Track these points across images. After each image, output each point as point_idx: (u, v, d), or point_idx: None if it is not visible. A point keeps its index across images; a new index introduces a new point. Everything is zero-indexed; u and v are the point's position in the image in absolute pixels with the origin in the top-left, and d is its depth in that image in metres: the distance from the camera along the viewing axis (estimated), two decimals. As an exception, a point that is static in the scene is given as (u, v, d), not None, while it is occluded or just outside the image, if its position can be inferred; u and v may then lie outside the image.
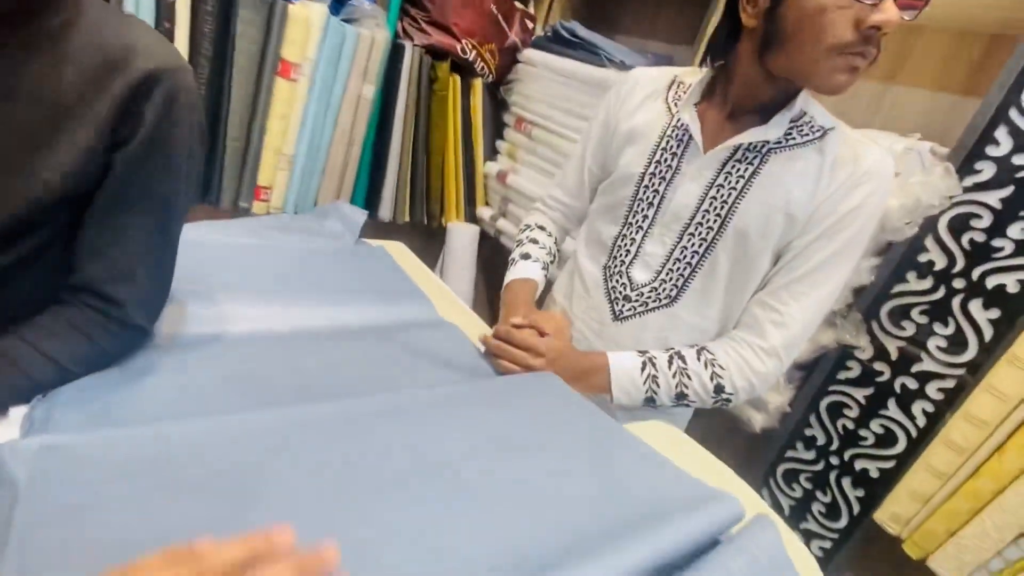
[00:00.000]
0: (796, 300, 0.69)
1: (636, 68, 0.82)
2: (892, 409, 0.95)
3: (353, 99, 1.32)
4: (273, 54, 1.16)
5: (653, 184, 0.74)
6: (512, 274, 0.86)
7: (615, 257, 0.79)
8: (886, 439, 0.96)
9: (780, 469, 1.09)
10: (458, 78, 1.49)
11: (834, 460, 1.02)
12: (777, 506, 1.10)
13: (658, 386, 0.71)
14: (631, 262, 0.77)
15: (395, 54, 1.36)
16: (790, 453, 1.08)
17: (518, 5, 1.57)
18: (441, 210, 1.64)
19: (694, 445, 0.68)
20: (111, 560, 0.24)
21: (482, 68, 1.51)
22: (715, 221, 0.70)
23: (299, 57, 1.18)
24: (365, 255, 1.03)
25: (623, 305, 0.78)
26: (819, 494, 1.04)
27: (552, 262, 0.89)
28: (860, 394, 0.99)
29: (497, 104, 1.67)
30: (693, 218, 0.72)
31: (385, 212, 1.54)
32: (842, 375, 1.00)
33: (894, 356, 0.95)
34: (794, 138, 0.68)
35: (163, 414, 0.47)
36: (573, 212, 0.90)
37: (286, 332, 0.69)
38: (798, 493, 1.07)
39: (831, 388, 1.02)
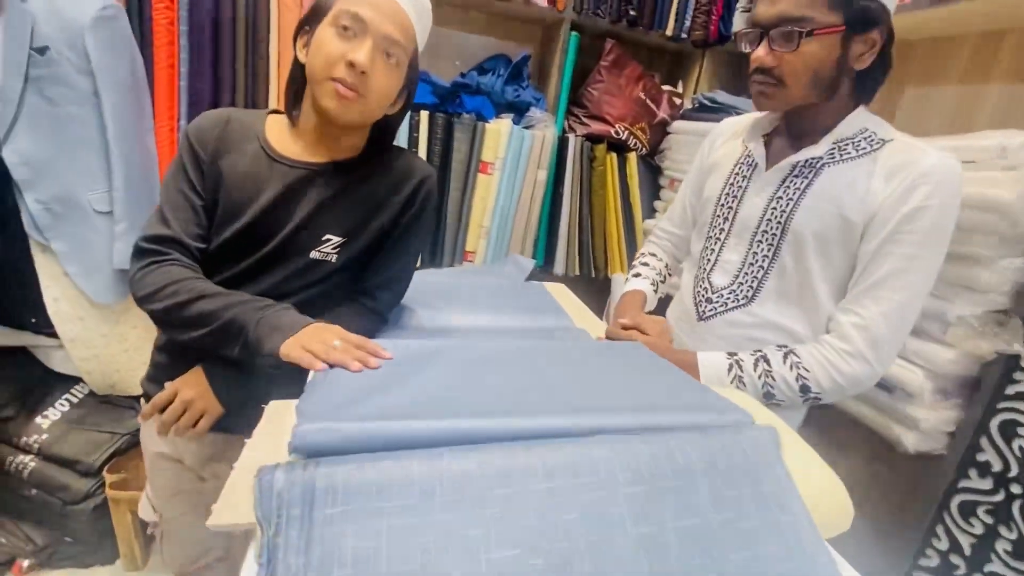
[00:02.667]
0: (876, 304, 0.73)
1: (726, 119, 1.01)
2: (1081, 427, 0.83)
3: (531, 182, 1.74)
4: (476, 158, 1.66)
5: (727, 202, 0.88)
6: (626, 287, 1.05)
7: (700, 267, 0.92)
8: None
9: (955, 501, 0.98)
10: (614, 155, 1.82)
11: (1015, 488, 0.90)
12: (956, 545, 0.98)
13: (744, 385, 0.78)
14: (711, 269, 0.90)
15: (562, 145, 1.77)
16: (964, 483, 0.97)
17: (665, 88, 1.85)
18: (606, 263, 1.92)
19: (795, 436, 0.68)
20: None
21: (635, 143, 1.81)
22: (776, 227, 0.81)
23: (493, 157, 1.66)
24: (528, 288, 1.36)
25: (705, 307, 0.90)
26: (1003, 529, 0.91)
27: (661, 280, 1.06)
28: (1037, 411, 0.89)
29: (653, 170, 1.93)
30: (759, 227, 0.83)
31: (559, 267, 1.89)
32: (1011, 389, 0.91)
33: (1071, 364, 0.85)
34: (849, 152, 0.77)
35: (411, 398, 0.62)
36: (680, 240, 1.07)
37: (469, 327, 1.02)
38: (978, 529, 0.95)
39: (1000, 405, 0.92)
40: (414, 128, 1.61)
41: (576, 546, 0.42)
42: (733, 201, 0.88)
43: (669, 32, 1.76)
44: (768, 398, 0.77)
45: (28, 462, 1.45)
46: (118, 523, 1.49)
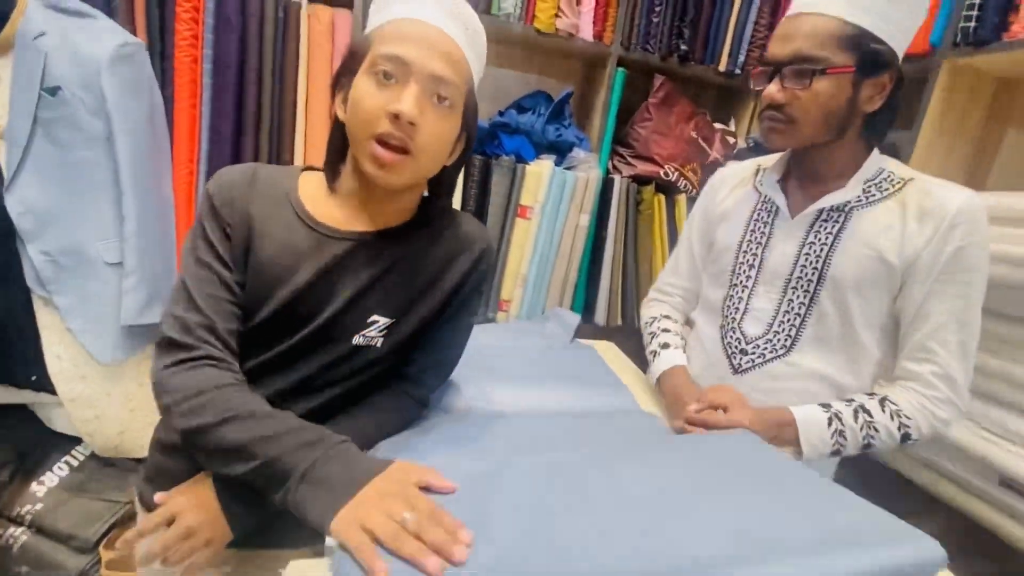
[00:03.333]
0: (945, 348, 0.74)
1: (722, 168, 1.01)
2: None
3: (572, 227, 1.61)
4: (515, 202, 1.54)
5: (751, 249, 0.87)
6: (660, 366, 0.95)
7: (726, 316, 0.90)
8: None
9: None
10: (662, 197, 1.68)
11: None
12: None
13: (845, 439, 0.76)
14: (741, 319, 0.87)
15: (606, 187, 1.63)
16: None
17: (718, 126, 1.72)
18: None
19: None
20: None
21: (685, 185, 1.67)
22: (813, 274, 0.80)
23: (532, 201, 1.53)
24: (578, 353, 1.21)
25: (741, 359, 0.87)
26: None
27: (684, 344, 0.99)
28: None
29: (702, 214, 1.79)
30: (792, 273, 0.82)
31: (600, 317, 1.74)
32: None
33: None
34: (873, 195, 0.79)
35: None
36: (690, 293, 1.03)
37: (524, 410, 0.87)
38: None
39: None
40: (449, 170, 1.49)
41: None
42: (758, 248, 0.87)
43: (722, 67, 1.64)
44: (866, 448, 0.77)
45: (19, 535, 1.31)
46: (114, 606, 1.34)
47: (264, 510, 0.61)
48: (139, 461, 1.46)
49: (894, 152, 1.39)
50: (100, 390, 1.29)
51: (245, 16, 1.27)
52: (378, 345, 0.70)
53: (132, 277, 1.21)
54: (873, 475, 1.20)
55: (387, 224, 0.71)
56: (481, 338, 1.24)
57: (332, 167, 0.72)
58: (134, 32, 1.22)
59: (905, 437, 0.76)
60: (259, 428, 0.56)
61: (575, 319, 1.34)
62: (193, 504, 0.60)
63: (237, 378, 0.61)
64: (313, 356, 0.68)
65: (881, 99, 0.76)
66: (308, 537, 0.62)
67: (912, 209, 0.75)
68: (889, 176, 0.79)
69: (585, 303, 1.76)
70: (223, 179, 0.67)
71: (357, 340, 0.68)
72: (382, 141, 0.61)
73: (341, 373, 0.70)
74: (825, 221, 0.80)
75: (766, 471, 0.62)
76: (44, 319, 1.19)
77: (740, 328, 0.88)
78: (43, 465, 1.40)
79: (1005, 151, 1.20)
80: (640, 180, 1.66)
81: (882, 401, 0.76)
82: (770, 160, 0.92)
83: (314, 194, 0.71)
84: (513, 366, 1.06)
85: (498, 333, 1.30)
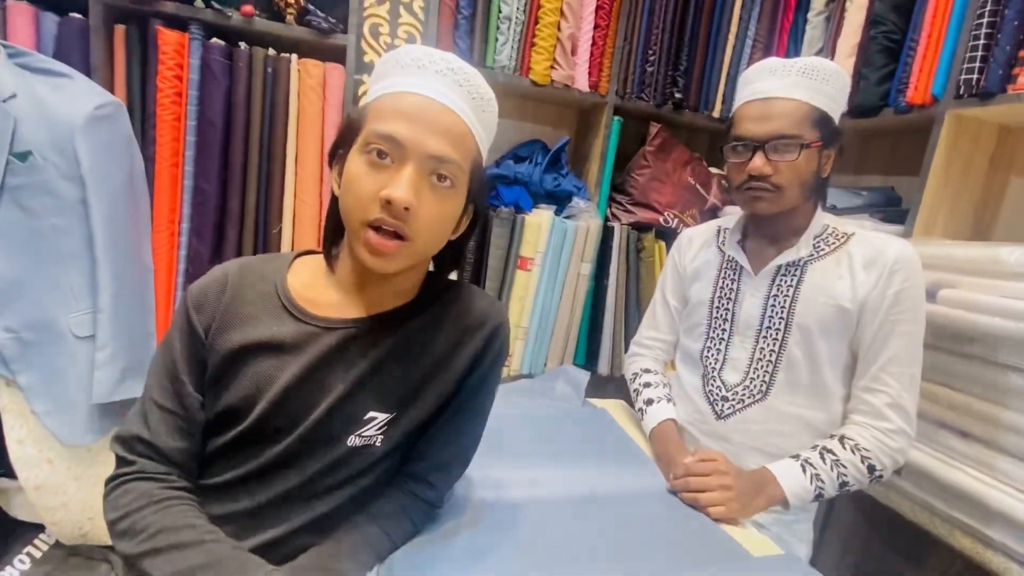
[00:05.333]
0: (896, 380, 0.83)
1: (686, 229, 1.13)
2: None
3: (574, 277, 1.56)
4: (515, 253, 1.48)
5: (723, 304, 0.96)
6: (651, 420, 1.01)
7: (707, 367, 0.98)
8: None
9: None
10: (663, 244, 1.65)
11: None
12: None
13: (823, 482, 0.82)
14: (721, 368, 0.96)
15: (606, 235, 1.60)
16: None
17: (714, 171, 1.71)
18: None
19: None
20: None
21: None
22: (780, 323, 0.90)
23: (533, 252, 1.48)
24: (594, 420, 1.14)
25: (722, 405, 0.95)
26: None
27: (670, 395, 1.05)
28: None
29: (702, 258, 1.76)
30: (762, 323, 0.91)
31: (603, 367, 1.68)
32: None
33: None
34: (822, 249, 0.89)
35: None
36: (668, 345, 1.11)
37: (545, 497, 0.80)
38: None
39: None
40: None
41: None
42: (728, 303, 0.96)
43: (716, 114, 1.64)
44: (843, 487, 0.83)
45: (-27, 644, 1.16)
46: None
47: None
48: (109, 548, 1.32)
49: (897, 199, 1.39)
50: (68, 475, 1.17)
51: (232, 71, 1.21)
52: (377, 444, 0.62)
53: (106, 350, 1.11)
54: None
55: (385, 308, 0.65)
56: (487, 404, 1.17)
57: (330, 246, 0.66)
58: (112, 91, 1.15)
59: (871, 469, 0.83)
60: (181, 562, 0.52)
61: (584, 377, 1.27)
62: None
63: (170, 493, 0.58)
64: (308, 460, 0.60)
65: (830, 166, 0.89)
66: None
67: (858, 259, 0.85)
68: (833, 231, 0.90)
69: (587, 353, 1.70)
70: (196, 288, 0.63)
71: (353, 442, 0.61)
72: (376, 227, 0.56)
73: (341, 477, 0.62)
74: (784, 275, 0.90)
75: None
76: (5, 401, 1.08)
77: (720, 377, 0.96)
78: (1, 559, 1.25)
79: (1010, 198, 1.20)
80: (639, 227, 1.63)
81: (841, 439, 0.85)
82: (729, 222, 1.02)
83: (308, 281, 0.66)
84: (527, 441, 0.98)
85: (505, 396, 1.22)
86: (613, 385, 1.62)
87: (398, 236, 0.56)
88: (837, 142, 0.88)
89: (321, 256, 0.68)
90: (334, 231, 0.65)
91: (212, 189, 1.24)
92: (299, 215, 1.31)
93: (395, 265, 0.59)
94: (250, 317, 0.62)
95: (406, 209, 0.55)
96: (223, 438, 0.61)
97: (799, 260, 0.89)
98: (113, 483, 0.59)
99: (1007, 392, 0.94)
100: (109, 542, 1.35)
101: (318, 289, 0.65)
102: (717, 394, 0.96)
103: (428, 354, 0.64)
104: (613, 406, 1.23)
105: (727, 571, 0.66)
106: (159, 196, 1.21)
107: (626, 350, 1.70)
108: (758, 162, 0.84)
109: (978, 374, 0.98)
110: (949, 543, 1.01)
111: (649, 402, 1.04)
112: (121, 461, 0.60)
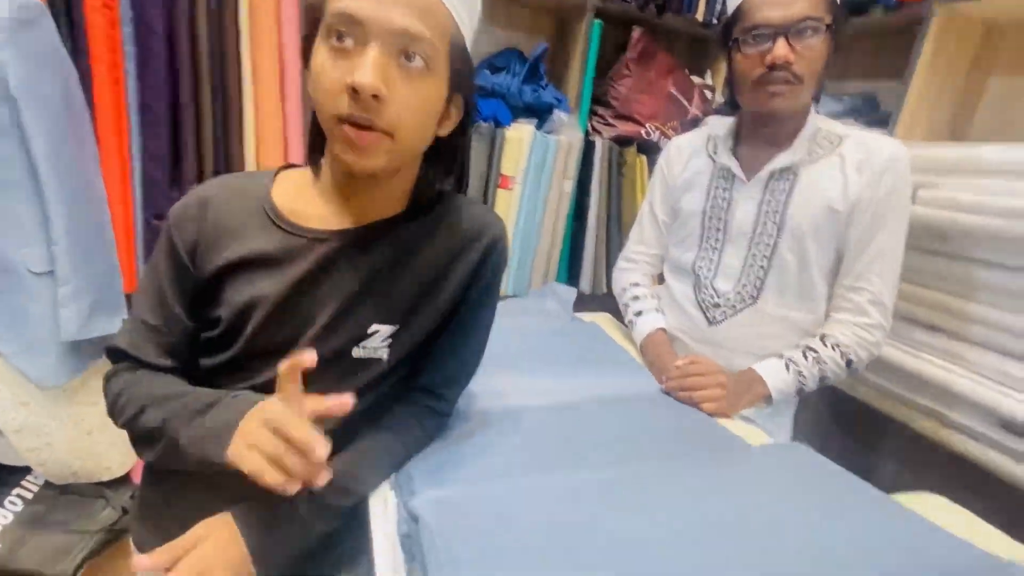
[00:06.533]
0: (880, 277, 0.86)
1: (674, 138, 1.09)
2: None
3: (556, 195, 1.53)
4: (495, 171, 1.43)
5: (716, 214, 0.96)
6: (641, 330, 1.04)
7: (699, 276, 0.99)
8: None
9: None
10: (644, 158, 1.62)
11: None
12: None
13: (805, 377, 0.87)
14: (714, 277, 0.97)
15: (588, 150, 1.56)
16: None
17: (695, 80, 1.66)
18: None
19: (969, 515, 0.62)
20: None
21: (665, 144, 1.61)
22: (773, 228, 0.90)
23: (514, 170, 1.44)
24: (585, 331, 1.16)
25: (714, 312, 0.97)
26: None
27: (659, 306, 1.07)
28: None
29: (682, 172, 1.74)
30: (755, 230, 0.91)
31: (585, 284, 1.69)
32: None
33: None
34: (817, 152, 0.88)
35: (487, 474, 0.62)
36: (656, 259, 1.11)
37: (546, 403, 0.82)
38: None
39: None
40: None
41: None
42: (721, 212, 0.96)
43: (700, 17, 1.56)
44: (823, 381, 0.88)
45: (-25, 585, 1.17)
46: (99, 641, 1.24)
47: (293, 546, 0.55)
48: (105, 485, 1.32)
49: (876, 104, 1.38)
50: (47, 416, 1.14)
51: (168, -33, 1.06)
52: (384, 357, 0.62)
53: (68, 286, 1.05)
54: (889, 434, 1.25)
55: (378, 216, 0.61)
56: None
57: (315, 154, 0.62)
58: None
59: (848, 363, 0.87)
60: (165, 407, 0.55)
61: (571, 293, 1.28)
62: (217, 555, 0.52)
63: (157, 372, 0.61)
64: (312, 376, 0.59)
65: (831, 55, 0.85)
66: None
67: (850, 161, 0.85)
68: (826, 134, 0.89)
69: (569, 271, 1.70)
70: (176, 208, 0.61)
71: (358, 353, 0.60)
72: (350, 121, 0.51)
73: (349, 392, 0.61)
74: (778, 180, 0.90)
75: (829, 491, 0.60)
76: (-31, 345, 1.02)
77: (713, 285, 0.97)
78: (-10, 503, 1.24)
79: (987, 99, 1.21)
80: (620, 141, 1.59)
81: (822, 338, 0.89)
82: (719, 129, 1.00)
83: (293, 194, 0.62)
84: (521, 352, 1.00)
85: (496, 315, 1.22)
86: (596, 303, 1.64)
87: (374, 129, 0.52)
88: (844, 26, 0.84)
89: (305, 169, 0.64)
90: (316, 137, 0.60)
91: (162, 107, 1.12)
92: (262, 131, 1.21)
93: (376, 162, 0.54)
94: (235, 233, 0.59)
95: (375, 98, 0.49)
96: (219, 358, 0.59)
97: (793, 164, 0.88)
98: (113, 373, 0.61)
99: (978, 287, 1.00)
100: (104, 479, 1.35)
101: (304, 200, 0.61)
102: (709, 302, 0.97)
103: (425, 265, 0.62)
104: (601, 319, 1.25)
105: (733, 461, 0.70)
106: (101, 118, 1.09)
107: (608, 267, 1.73)
108: (782, 50, 0.79)
109: (949, 270, 1.03)
110: (911, 427, 1.11)
111: (639, 313, 1.06)
112: (114, 355, 0.62)
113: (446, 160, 0.65)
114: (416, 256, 0.62)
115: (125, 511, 1.30)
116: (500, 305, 1.34)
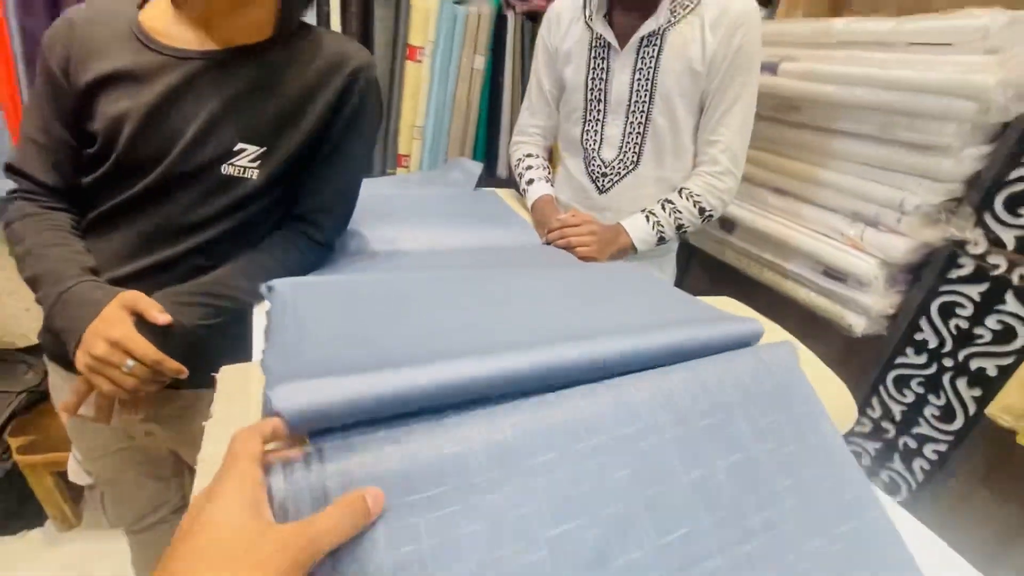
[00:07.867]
0: (728, 128, 0.93)
1: (553, 2, 1.06)
2: (1011, 303, 0.91)
3: (467, 71, 1.54)
4: (402, 41, 1.42)
5: (596, 85, 0.99)
6: (531, 196, 1.12)
7: (586, 149, 1.04)
8: (1004, 335, 0.92)
9: (890, 376, 1.09)
10: (557, 36, 1.62)
11: (948, 362, 0.99)
12: (888, 413, 1.10)
13: (663, 227, 0.97)
14: (599, 148, 1.03)
15: (500, 24, 1.54)
16: (900, 359, 1.07)
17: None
18: (552, 162, 1.81)
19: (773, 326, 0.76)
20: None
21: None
22: (646, 95, 0.95)
23: (422, 41, 1.42)
24: (482, 197, 1.25)
25: (603, 181, 1.05)
26: (932, 397, 1.02)
27: (550, 176, 1.16)
28: (974, 291, 0.95)
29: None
30: (631, 99, 0.96)
31: (502, 168, 1.75)
32: (953, 273, 0.97)
33: (1011, 246, 0.91)
34: (678, 14, 0.91)
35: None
36: (548, 131, 1.16)
37: (429, 249, 0.91)
38: (909, 398, 1.06)
39: (942, 288, 0.98)
40: (323, 2, 1.32)
41: (633, 507, 0.37)
42: (601, 83, 0.99)
43: None
44: (680, 229, 0.98)
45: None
46: (37, 486, 1.34)
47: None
48: (25, 351, 1.36)
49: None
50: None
51: None
52: (253, 177, 0.68)
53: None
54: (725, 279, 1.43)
55: (242, 40, 0.66)
56: (382, 188, 1.23)
57: None
58: None
59: (701, 211, 0.96)
60: (39, 264, 0.63)
61: (478, 167, 1.35)
62: (104, 330, 0.59)
63: (38, 210, 0.67)
64: (179, 191, 0.66)
65: None
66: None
67: (707, 20, 0.89)
68: None
69: (487, 155, 1.75)
70: (47, 32, 0.65)
71: (227, 170, 0.66)
72: None
73: (218, 207, 0.68)
74: (647, 47, 0.93)
75: (637, 284, 0.71)
76: None
77: (599, 156, 1.03)
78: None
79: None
80: (533, 16, 1.58)
81: (680, 191, 0.97)
82: None
83: (160, 13, 0.65)
84: (416, 211, 1.08)
85: (398, 183, 1.29)
86: (513, 187, 1.71)
87: None
88: None
89: None
90: None
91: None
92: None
93: None
94: (103, 51, 0.63)
95: None
96: (97, 172, 0.64)
97: (659, 28, 0.91)
98: (11, 195, 0.69)
99: (824, 153, 1.13)
100: (21, 344, 1.37)
101: (170, 23, 0.65)
102: (598, 172, 1.04)
103: (288, 90, 0.67)
104: (504, 193, 1.33)
105: (579, 268, 0.81)
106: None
107: (523, 150, 1.78)
108: None
109: (799, 138, 1.16)
110: (760, 280, 1.29)
111: (530, 182, 1.14)
112: (10, 173, 0.68)
113: None
114: (280, 82, 0.67)
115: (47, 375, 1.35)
116: (405, 176, 1.42)
